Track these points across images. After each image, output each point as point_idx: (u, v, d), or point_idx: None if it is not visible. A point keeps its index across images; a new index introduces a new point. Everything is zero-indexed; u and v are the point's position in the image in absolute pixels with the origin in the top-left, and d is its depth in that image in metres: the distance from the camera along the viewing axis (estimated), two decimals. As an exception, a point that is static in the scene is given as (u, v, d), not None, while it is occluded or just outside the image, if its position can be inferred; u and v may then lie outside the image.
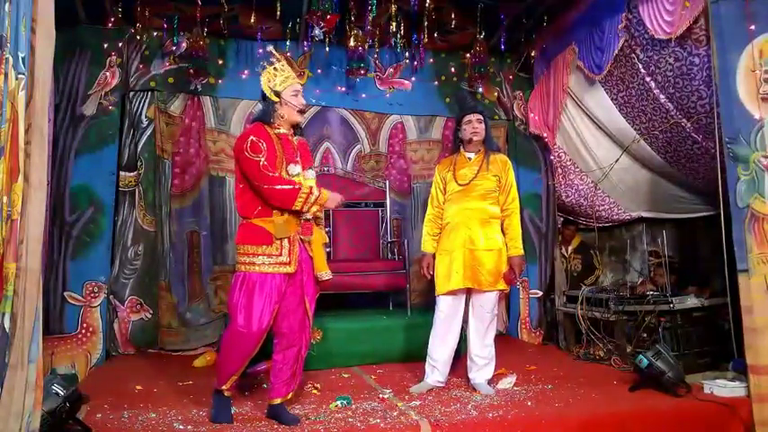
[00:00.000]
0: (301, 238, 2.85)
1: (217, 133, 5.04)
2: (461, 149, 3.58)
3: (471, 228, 3.41)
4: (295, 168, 2.84)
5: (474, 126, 3.48)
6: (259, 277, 2.75)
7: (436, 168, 3.71)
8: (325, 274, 2.94)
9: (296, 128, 2.97)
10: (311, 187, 2.79)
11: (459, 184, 3.47)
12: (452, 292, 3.42)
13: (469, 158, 3.52)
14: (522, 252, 3.46)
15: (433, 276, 3.50)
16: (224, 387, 2.82)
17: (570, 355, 4.51)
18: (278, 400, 2.86)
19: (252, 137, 2.76)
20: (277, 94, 2.85)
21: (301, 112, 2.92)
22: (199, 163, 4.95)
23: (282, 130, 2.88)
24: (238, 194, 2.85)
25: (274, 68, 2.87)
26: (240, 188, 2.83)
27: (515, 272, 3.43)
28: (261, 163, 2.70)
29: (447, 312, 3.44)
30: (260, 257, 2.75)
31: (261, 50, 5.00)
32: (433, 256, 3.55)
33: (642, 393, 3.25)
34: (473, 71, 5.18)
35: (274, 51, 2.95)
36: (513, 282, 3.51)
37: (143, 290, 4.74)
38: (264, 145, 2.75)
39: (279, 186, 2.71)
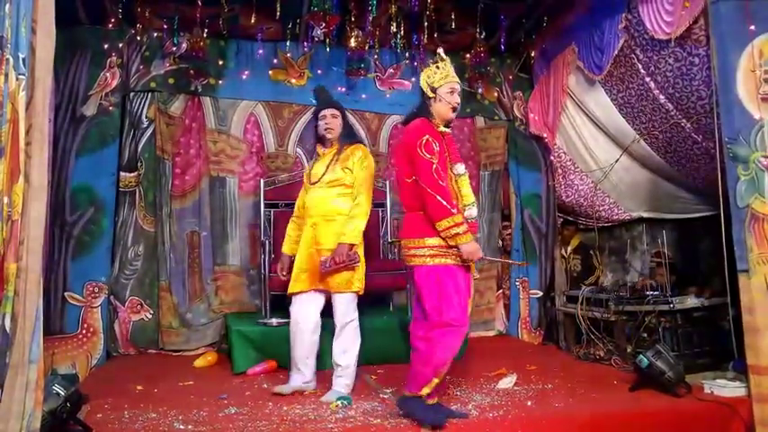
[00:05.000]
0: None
1: (217, 134, 5.04)
2: (317, 146, 3.50)
3: (316, 226, 3.32)
4: (460, 167, 2.90)
5: (327, 121, 3.38)
6: (457, 270, 2.79)
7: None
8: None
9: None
10: (464, 222, 2.74)
11: (311, 183, 3.39)
12: (301, 294, 3.33)
13: (324, 154, 3.43)
14: (347, 241, 3.19)
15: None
16: (426, 393, 2.79)
17: (570, 355, 4.51)
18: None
19: (428, 135, 2.78)
20: (433, 90, 2.88)
21: (454, 109, 2.92)
22: (199, 163, 4.96)
23: (444, 128, 2.92)
24: (409, 187, 2.85)
25: (436, 66, 2.92)
26: (408, 182, 2.85)
27: (332, 259, 3.17)
28: (434, 166, 2.73)
29: (295, 317, 3.34)
30: (453, 249, 2.75)
31: (261, 51, 5.00)
32: (289, 257, 3.48)
33: (642, 393, 3.25)
34: (473, 71, 5.17)
35: (441, 52, 2.94)
36: (323, 267, 3.21)
37: (143, 290, 4.74)
38: (437, 146, 2.78)
39: (439, 198, 2.70)
